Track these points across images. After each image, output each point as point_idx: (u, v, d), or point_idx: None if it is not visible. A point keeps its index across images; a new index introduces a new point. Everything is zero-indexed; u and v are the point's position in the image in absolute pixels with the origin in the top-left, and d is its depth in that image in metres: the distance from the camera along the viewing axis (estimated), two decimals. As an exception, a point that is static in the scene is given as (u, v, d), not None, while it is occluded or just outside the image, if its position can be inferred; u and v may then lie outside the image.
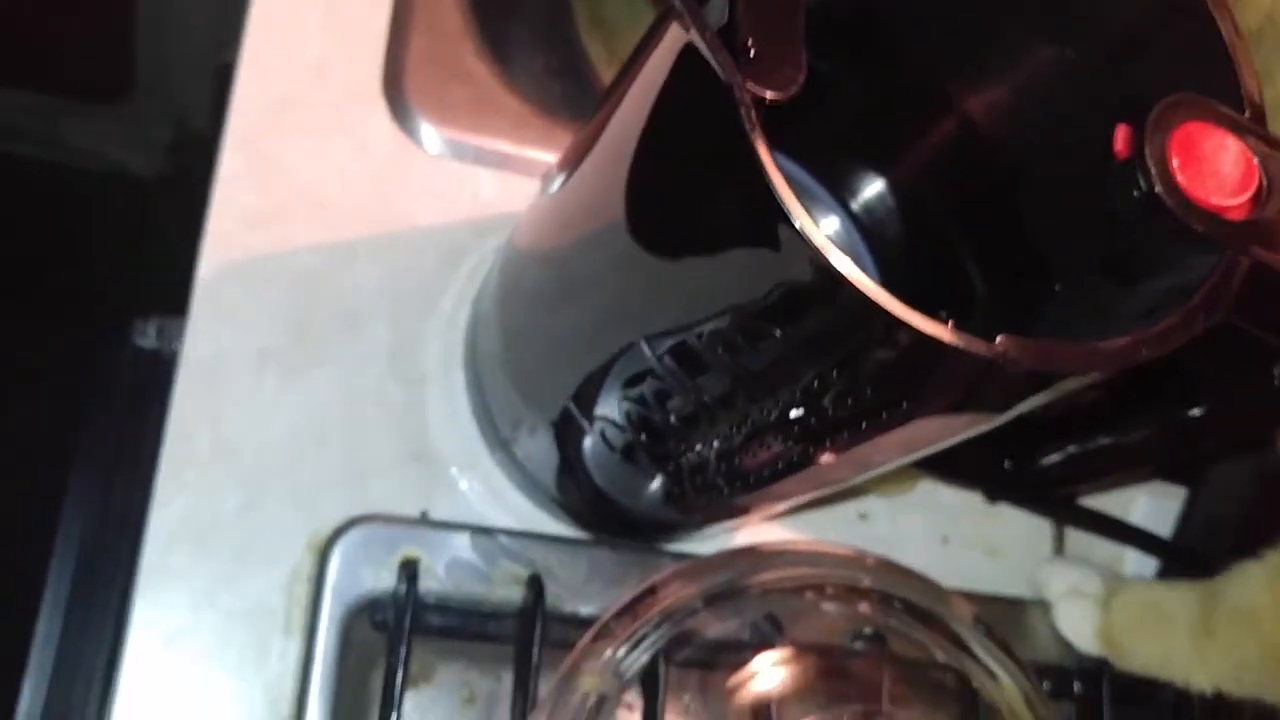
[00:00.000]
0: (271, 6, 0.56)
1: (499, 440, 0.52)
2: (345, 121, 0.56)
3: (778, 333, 0.32)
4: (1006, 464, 0.51)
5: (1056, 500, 0.60)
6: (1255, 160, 0.33)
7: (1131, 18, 0.36)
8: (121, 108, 1.30)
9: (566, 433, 0.47)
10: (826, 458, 0.38)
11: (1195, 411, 0.44)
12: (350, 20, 0.57)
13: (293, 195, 0.54)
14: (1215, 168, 0.32)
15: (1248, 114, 0.34)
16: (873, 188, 0.45)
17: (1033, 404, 0.33)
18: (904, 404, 0.33)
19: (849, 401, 0.33)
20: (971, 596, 0.55)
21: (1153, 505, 0.64)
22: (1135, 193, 0.32)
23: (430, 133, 0.57)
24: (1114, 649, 0.56)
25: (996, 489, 0.59)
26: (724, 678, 0.49)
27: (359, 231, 0.55)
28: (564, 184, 0.41)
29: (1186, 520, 0.63)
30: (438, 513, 0.52)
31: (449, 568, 0.49)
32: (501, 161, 0.57)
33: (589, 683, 0.46)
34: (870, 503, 0.59)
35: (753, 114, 0.27)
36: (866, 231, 0.45)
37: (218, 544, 0.49)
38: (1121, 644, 0.56)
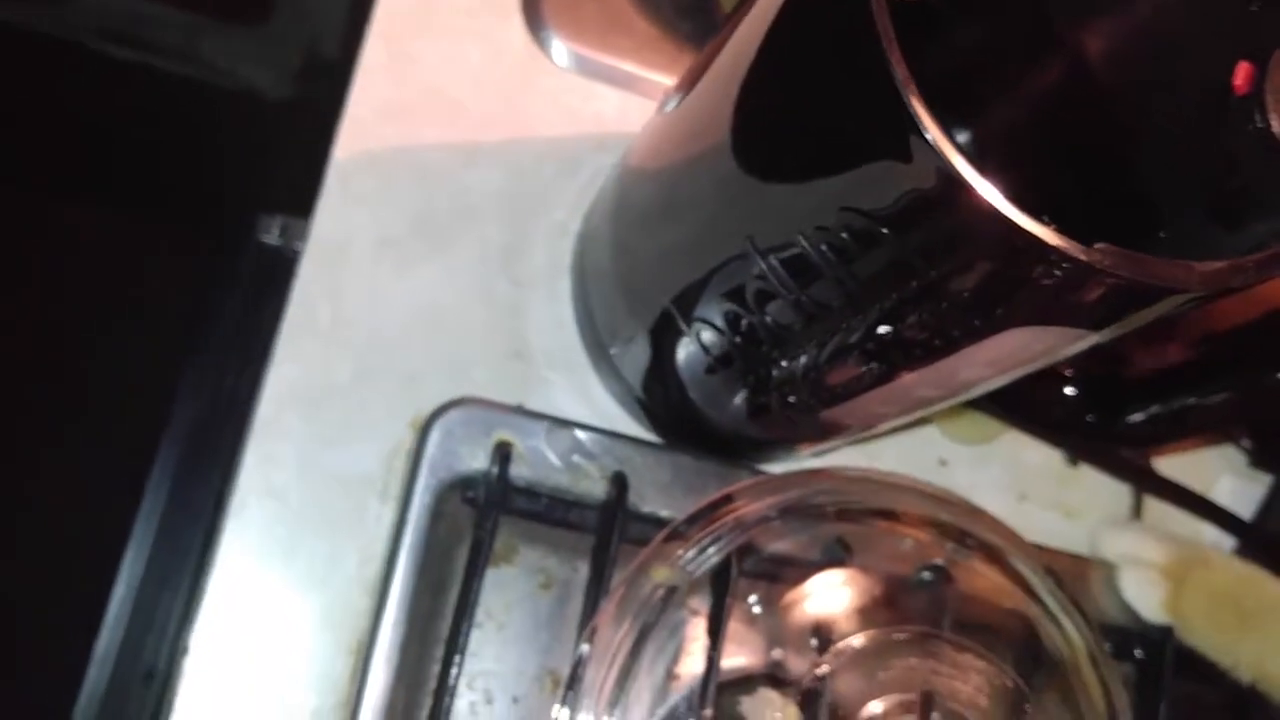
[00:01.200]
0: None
1: (598, 346, 0.54)
2: (482, 27, 0.58)
3: (893, 237, 0.33)
4: (1089, 418, 0.51)
5: (1138, 467, 0.61)
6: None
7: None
8: (258, 29, 1.34)
9: (664, 338, 0.48)
10: (916, 372, 0.39)
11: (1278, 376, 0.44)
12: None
13: (426, 92, 0.57)
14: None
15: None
16: (979, 126, 0.45)
17: (1127, 324, 0.34)
18: (1000, 313, 0.34)
19: (948, 310, 0.35)
20: (1043, 549, 0.56)
21: (1236, 487, 0.64)
22: (1251, 128, 0.33)
23: (560, 47, 0.59)
24: (1183, 623, 0.57)
25: (1078, 450, 0.59)
26: (788, 590, 0.50)
27: (485, 134, 0.57)
28: (681, 103, 0.42)
29: (1269, 507, 0.63)
30: (532, 407, 0.54)
31: (539, 456, 0.51)
32: (626, 81, 0.59)
33: (660, 574, 0.47)
34: (951, 450, 0.60)
35: (887, 19, 0.29)
36: (975, 164, 0.46)
37: (327, 411, 0.52)
38: (1192, 621, 0.56)
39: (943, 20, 0.43)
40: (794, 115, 0.35)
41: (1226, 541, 0.63)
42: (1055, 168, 0.43)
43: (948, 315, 0.34)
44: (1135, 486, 0.61)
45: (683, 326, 0.46)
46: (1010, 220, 0.29)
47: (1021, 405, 0.54)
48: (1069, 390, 0.51)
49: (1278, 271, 0.31)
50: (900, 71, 0.29)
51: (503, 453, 0.50)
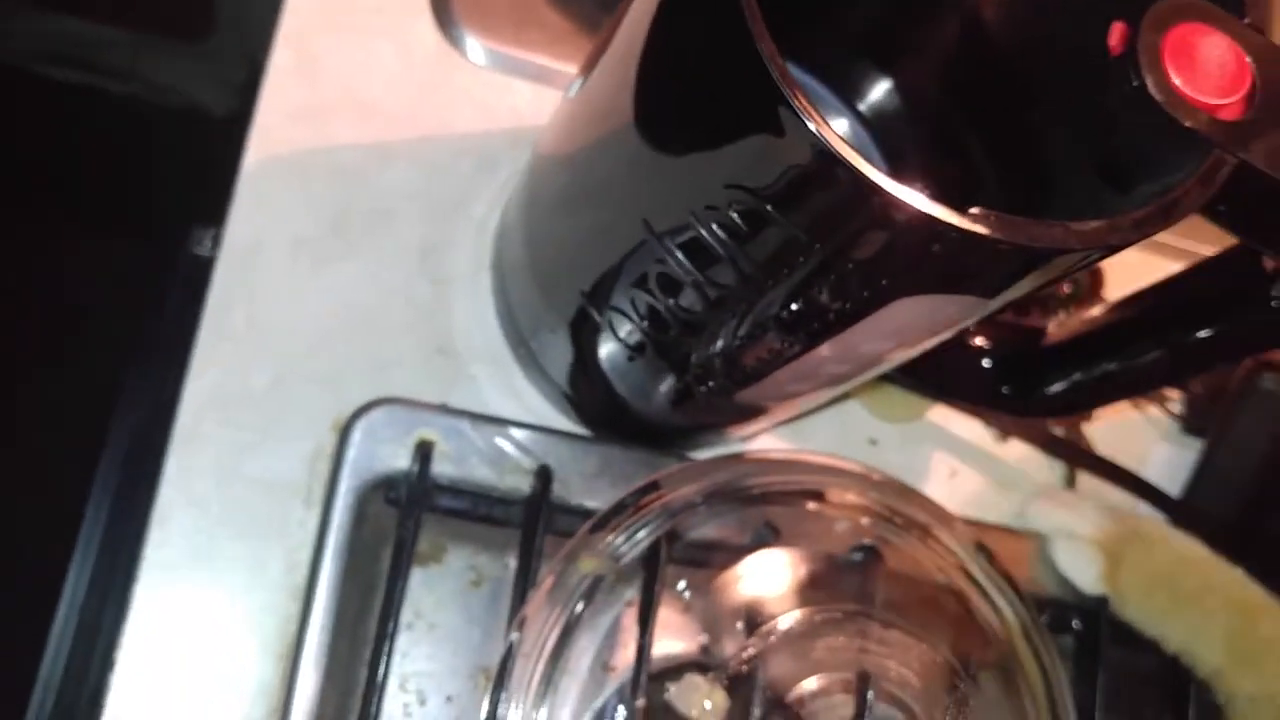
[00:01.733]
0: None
1: (520, 340, 0.54)
2: (391, 26, 0.58)
3: (778, 214, 0.33)
4: (1005, 390, 0.51)
5: (1066, 442, 0.61)
6: (1249, 63, 0.33)
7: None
8: (199, 45, 1.33)
9: (582, 330, 0.48)
10: (822, 347, 0.39)
11: (1201, 334, 0.45)
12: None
13: (337, 94, 0.56)
14: (1208, 67, 0.33)
15: (1247, 20, 0.35)
16: (881, 90, 0.46)
17: (1016, 289, 0.34)
18: (889, 284, 0.34)
19: (841, 284, 0.35)
20: (975, 524, 0.56)
21: (1169, 454, 0.65)
22: (1127, 88, 0.33)
23: (472, 43, 0.58)
24: (1118, 597, 0.57)
25: (1005, 425, 0.60)
26: (718, 574, 0.50)
27: (399, 133, 0.57)
28: (580, 88, 0.42)
29: (1200, 474, 0.64)
30: (457, 404, 0.53)
31: (462, 453, 0.50)
32: (539, 75, 0.59)
33: (587, 564, 0.47)
34: (881, 429, 0.60)
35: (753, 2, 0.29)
36: (879, 137, 0.46)
37: (246, 416, 0.51)
38: (1127, 597, 0.57)
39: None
40: (677, 95, 0.35)
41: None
42: (955, 131, 0.44)
43: (839, 289, 0.34)
44: (1063, 460, 0.61)
45: (596, 317, 0.45)
46: (884, 190, 0.29)
47: (941, 380, 0.54)
48: (985, 363, 0.51)
49: (1157, 228, 0.31)
50: (766, 46, 0.29)
51: (424, 451, 0.50)
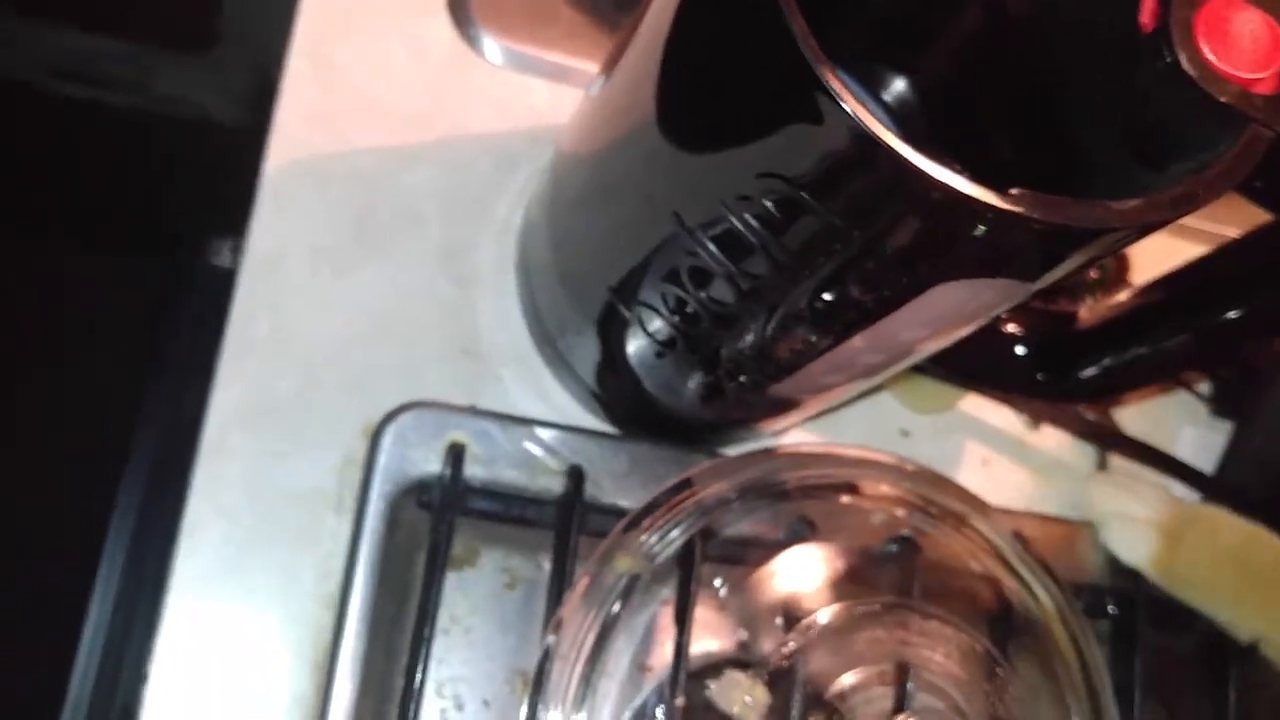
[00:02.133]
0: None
1: (547, 339, 0.54)
2: (407, 28, 0.58)
3: (813, 202, 0.33)
4: (1040, 377, 0.51)
5: (1098, 425, 0.61)
6: (1283, 36, 0.33)
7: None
8: (207, 56, 1.33)
9: (609, 327, 0.48)
10: (856, 338, 0.39)
11: (1231, 315, 0.44)
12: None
13: (355, 98, 0.56)
14: (1242, 41, 0.33)
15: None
16: (904, 80, 0.45)
17: (1055, 271, 0.34)
18: (927, 267, 0.33)
19: (876, 271, 0.34)
20: (1009, 512, 0.56)
21: (1199, 437, 0.64)
22: (1160, 64, 0.33)
23: (488, 42, 0.58)
24: (1172, 579, 0.56)
25: (1037, 412, 0.59)
26: (754, 570, 0.50)
27: (418, 136, 0.57)
28: (604, 85, 0.42)
29: (1230, 455, 0.63)
30: (485, 406, 0.53)
31: (493, 455, 0.50)
32: (557, 73, 0.59)
33: (623, 563, 0.47)
34: (912, 420, 0.59)
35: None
36: (902, 125, 0.45)
37: (274, 425, 0.51)
38: (1187, 577, 0.56)
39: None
40: (708, 85, 0.34)
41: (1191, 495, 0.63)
42: (982, 119, 0.43)
43: (878, 276, 0.34)
44: (1099, 445, 0.61)
45: (625, 313, 0.45)
46: (923, 173, 0.28)
47: (974, 369, 0.54)
48: (1019, 350, 0.51)
49: (1195, 206, 0.31)
50: (802, 32, 0.28)
51: (455, 454, 0.49)
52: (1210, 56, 0.32)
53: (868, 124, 0.28)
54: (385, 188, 0.55)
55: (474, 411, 0.51)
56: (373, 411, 0.52)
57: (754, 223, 0.35)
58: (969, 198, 0.28)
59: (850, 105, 0.28)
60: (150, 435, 0.82)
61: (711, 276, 0.39)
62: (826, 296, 0.36)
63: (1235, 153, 0.32)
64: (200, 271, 0.84)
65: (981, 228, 0.30)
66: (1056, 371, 0.51)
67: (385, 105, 0.57)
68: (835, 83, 0.28)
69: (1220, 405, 0.64)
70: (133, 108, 1.37)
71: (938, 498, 0.52)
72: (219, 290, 0.65)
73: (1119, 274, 0.61)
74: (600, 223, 0.46)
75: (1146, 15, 0.33)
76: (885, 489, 0.52)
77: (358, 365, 0.53)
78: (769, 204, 0.33)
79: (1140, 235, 0.32)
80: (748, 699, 0.44)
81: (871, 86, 0.45)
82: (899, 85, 0.45)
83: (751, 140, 0.33)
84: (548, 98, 0.59)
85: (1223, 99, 0.32)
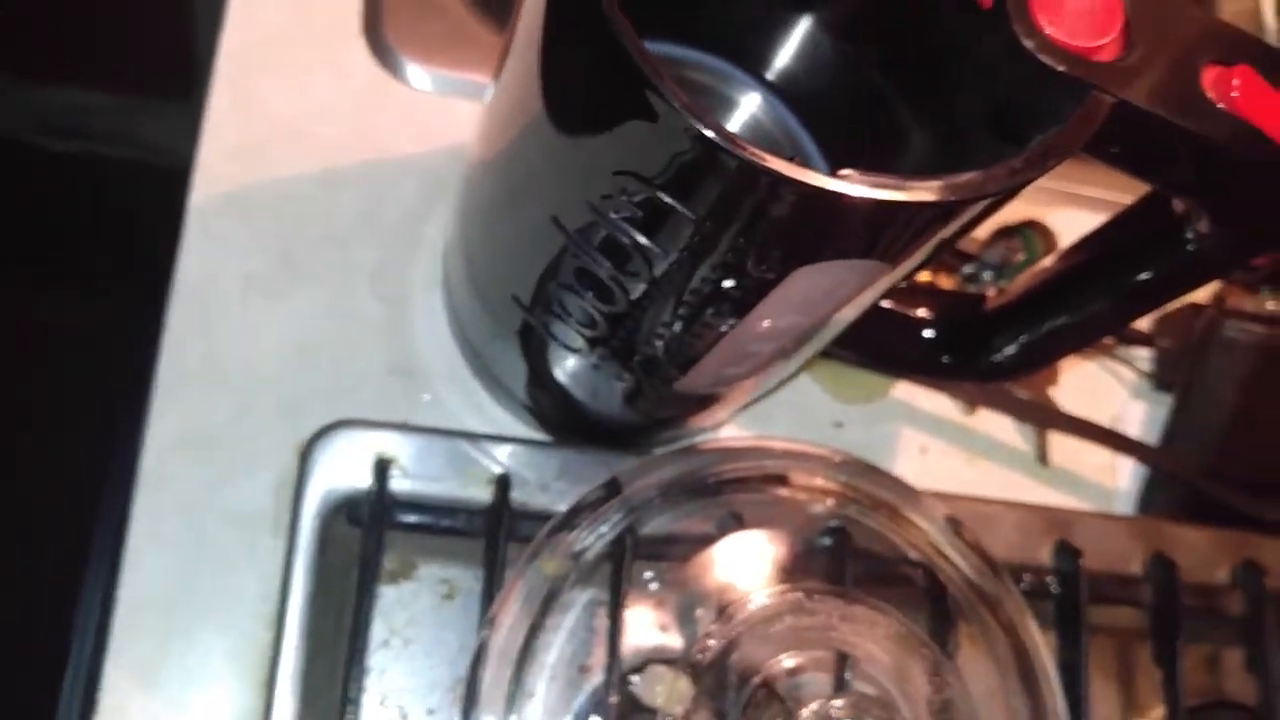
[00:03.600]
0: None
1: (473, 353, 0.54)
2: (325, 57, 0.59)
3: (662, 196, 0.33)
4: (945, 359, 0.51)
5: (1036, 406, 0.61)
6: (1120, 2, 0.34)
7: None
8: (191, 102, 1.34)
9: (526, 340, 0.49)
10: (741, 327, 0.39)
11: (1132, 279, 0.45)
12: (331, -39, 0.60)
13: (277, 128, 0.57)
14: (1079, 11, 0.33)
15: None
16: (787, 56, 0.46)
17: (914, 250, 0.35)
18: (780, 254, 0.34)
19: (736, 258, 0.35)
20: (946, 497, 0.56)
21: (1141, 411, 0.65)
22: (1001, 39, 0.33)
23: (407, 66, 0.59)
24: None
25: (972, 395, 0.60)
26: (684, 566, 0.50)
27: (342, 161, 0.58)
28: (491, 92, 0.43)
29: (1173, 427, 0.64)
30: (421, 423, 0.54)
31: (421, 468, 0.51)
32: (477, 92, 0.60)
33: (549, 566, 0.48)
34: (845, 411, 0.60)
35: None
36: (798, 105, 0.46)
37: (210, 452, 0.52)
38: None
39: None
40: (560, 89, 0.35)
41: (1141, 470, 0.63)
42: (866, 94, 0.44)
43: (739, 266, 0.35)
44: (1035, 424, 0.61)
45: (532, 321, 0.46)
46: (750, 160, 0.29)
47: (884, 356, 0.54)
48: (927, 333, 0.51)
49: (1036, 173, 0.32)
50: (622, 29, 0.29)
51: (381, 468, 0.50)
52: (1048, 29, 0.33)
53: (689, 118, 0.29)
54: (311, 214, 0.57)
55: (402, 427, 0.52)
56: (306, 432, 0.53)
57: (622, 223, 0.35)
58: (794, 180, 0.29)
59: (671, 98, 0.29)
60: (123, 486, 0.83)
61: (599, 279, 0.40)
62: (700, 288, 0.37)
63: (1076, 119, 0.33)
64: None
65: (815, 210, 0.30)
66: (966, 353, 0.51)
67: (308, 134, 0.58)
68: (656, 74, 0.29)
69: (1161, 378, 0.65)
70: (119, 158, 1.39)
71: (868, 487, 0.53)
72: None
73: (1047, 252, 0.62)
74: (501, 233, 0.46)
75: (984, -6, 0.34)
76: (816, 481, 0.53)
77: (291, 389, 0.54)
78: (631, 202, 0.34)
79: (991, 207, 0.33)
80: (666, 690, 0.45)
81: (753, 65, 0.46)
82: (782, 59, 0.46)
83: (603, 138, 0.34)
84: (469, 117, 0.59)
85: (1061, 69, 0.33)
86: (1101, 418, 0.63)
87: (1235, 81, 0.35)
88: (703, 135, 0.29)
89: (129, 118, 1.38)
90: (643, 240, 0.35)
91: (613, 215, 0.35)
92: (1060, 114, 0.34)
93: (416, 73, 0.60)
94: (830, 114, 0.46)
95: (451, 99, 0.60)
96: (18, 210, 1.35)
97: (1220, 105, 0.34)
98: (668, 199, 0.33)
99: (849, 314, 0.39)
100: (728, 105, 0.48)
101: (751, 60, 0.46)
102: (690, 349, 0.42)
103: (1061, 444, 0.63)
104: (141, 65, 1.32)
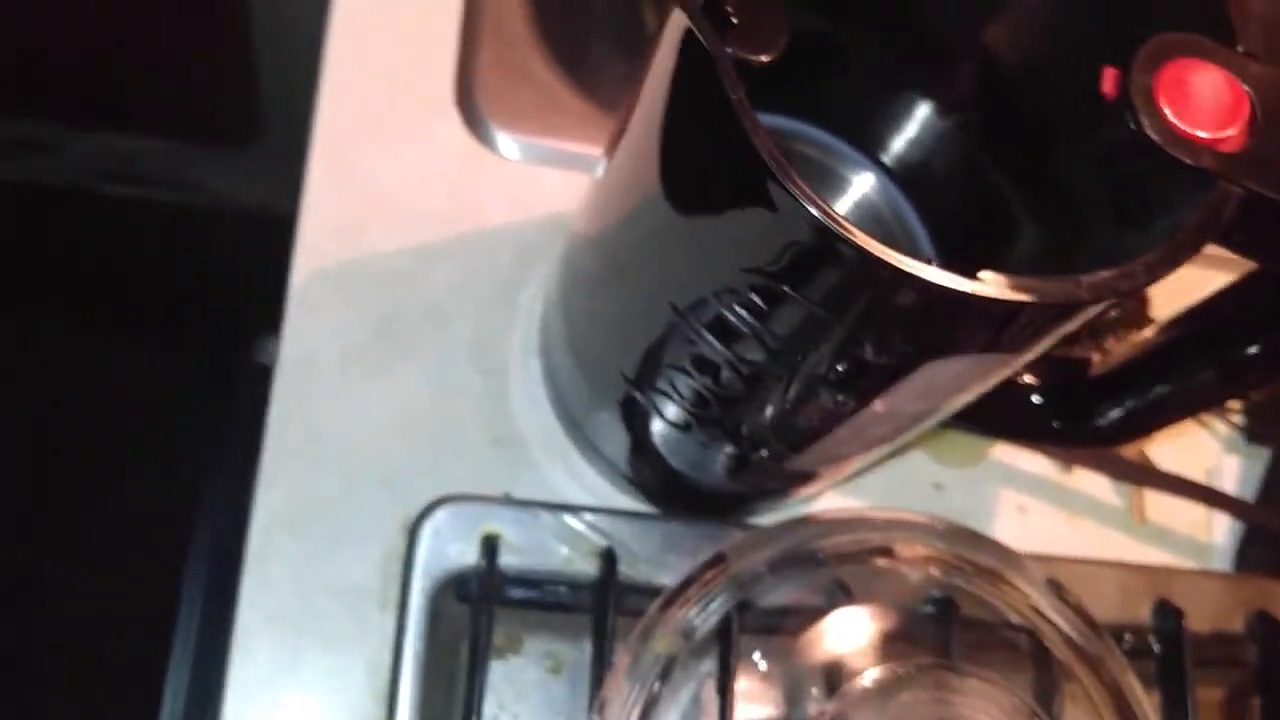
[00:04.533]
0: (348, 25, 0.60)
1: (573, 424, 0.55)
2: (421, 131, 0.60)
3: (787, 290, 0.34)
4: (1055, 424, 0.51)
5: (1133, 464, 0.61)
6: (1246, 91, 0.34)
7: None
8: (247, 151, 1.36)
9: (628, 411, 0.49)
10: (860, 413, 0.40)
11: (1248, 350, 0.44)
12: (423, 33, 0.61)
13: (375, 203, 0.58)
14: (1204, 101, 0.33)
15: (1240, 49, 0.35)
16: (904, 140, 0.46)
17: (1040, 343, 0.35)
18: (912, 350, 0.34)
19: (863, 353, 0.35)
20: (1046, 559, 0.56)
21: (1236, 466, 0.64)
22: (1127, 130, 0.33)
23: (502, 137, 0.60)
24: None
25: (1070, 455, 0.59)
26: (794, 640, 0.50)
27: (438, 234, 0.58)
28: (604, 169, 0.43)
29: (1270, 481, 0.63)
30: (520, 495, 0.54)
31: (527, 543, 0.51)
32: (570, 161, 0.60)
33: (660, 644, 0.48)
34: (944, 473, 0.60)
35: (734, 77, 0.30)
36: (909, 188, 0.46)
37: (317, 527, 0.53)
38: None
39: (845, 53, 0.44)
40: (687, 178, 0.36)
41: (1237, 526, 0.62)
42: (979, 181, 0.44)
43: (865, 358, 0.35)
44: (1132, 483, 0.61)
45: (640, 398, 0.46)
46: (886, 261, 0.29)
47: (993, 422, 0.54)
48: (1035, 399, 0.51)
49: (1168, 270, 0.31)
50: (748, 119, 0.29)
51: (489, 546, 0.51)
52: (1173, 119, 0.33)
53: (817, 210, 0.29)
54: (409, 288, 0.57)
55: (506, 501, 0.53)
56: (410, 506, 0.53)
57: (742, 311, 0.36)
58: (932, 283, 0.29)
59: (798, 191, 0.29)
60: (209, 531, 0.84)
61: (713, 363, 0.40)
62: (821, 376, 0.37)
63: (1206, 211, 0.33)
64: (248, 369, 0.86)
65: (949, 310, 0.31)
66: (1073, 418, 0.51)
67: (404, 207, 0.58)
68: (783, 168, 0.29)
69: (1255, 431, 0.64)
70: (176, 204, 1.41)
71: (971, 554, 0.53)
72: (264, 389, 0.67)
73: (1139, 310, 0.61)
74: (608, 307, 0.47)
75: (1108, 85, 0.34)
76: (919, 550, 0.53)
77: (394, 462, 0.54)
78: (753, 294, 0.35)
79: (1121, 301, 0.33)
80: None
81: (870, 147, 0.46)
82: (898, 144, 0.46)
83: (725, 226, 0.34)
84: (561, 185, 0.60)
85: (1189, 162, 0.33)
86: (1196, 473, 0.63)
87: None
88: (835, 233, 0.29)
89: (183, 163, 1.40)
90: (763, 329, 0.36)
91: (734, 305, 0.36)
92: (1182, 200, 0.34)
93: (508, 142, 0.60)
94: (939, 195, 0.46)
95: (542, 168, 0.61)
96: (72, 256, 1.38)
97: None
98: (796, 295, 0.33)
99: (967, 397, 0.39)
100: (839, 182, 0.48)
101: (865, 138, 0.46)
102: (804, 432, 0.42)
103: (1157, 500, 0.62)
104: (198, 113, 1.34)
